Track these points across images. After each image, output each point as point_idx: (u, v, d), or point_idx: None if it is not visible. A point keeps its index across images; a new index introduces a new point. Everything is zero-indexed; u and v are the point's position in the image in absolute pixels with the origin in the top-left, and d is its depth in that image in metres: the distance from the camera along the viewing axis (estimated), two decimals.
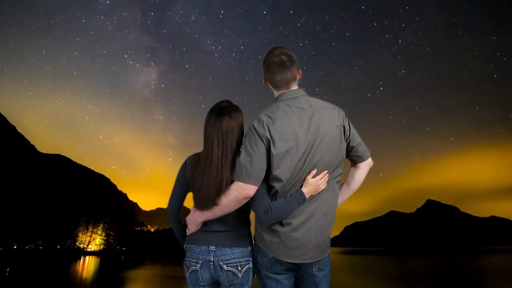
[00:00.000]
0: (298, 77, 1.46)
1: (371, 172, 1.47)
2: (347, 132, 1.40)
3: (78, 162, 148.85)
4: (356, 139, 1.44)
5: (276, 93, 1.46)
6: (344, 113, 1.41)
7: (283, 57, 1.39)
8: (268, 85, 1.51)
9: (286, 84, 1.42)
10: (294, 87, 1.45)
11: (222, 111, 1.40)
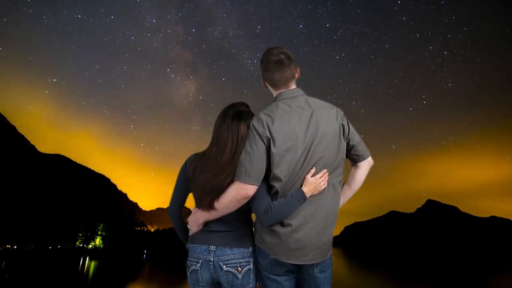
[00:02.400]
0: (296, 75, 1.45)
1: (371, 172, 1.49)
2: (346, 131, 1.39)
3: (89, 167, 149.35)
4: (355, 138, 1.43)
5: (275, 93, 1.45)
6: (342, 112, 1.41)
7: (282, 55, 1.39)
8: (267, 86, 1.50)
9: (286, 82, 1.42)
10: (293, 86, 1.44)
11: (240, 116, 1.38)
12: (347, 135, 1.40)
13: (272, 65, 1.39)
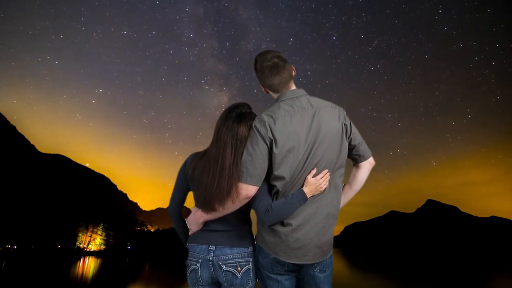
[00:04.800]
0: (293, 73, 1.45)
1: (371, 172, 1.47)
2: (349, 131, 1.39)
3: (79, 162, 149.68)
4: (357, 138, 1.43)
5: (276, 96, 1.45)
6: (345, 112, 1.41)
7: (275, 59, 1.39)
8: (267, 92, 1.50)
9: (286, 84, 1.42)
10: (293, 86, 1.45)
11: (241, 117, 1.37)
12: (349, 134, 1.39)
13: (268, 71, 1.39)
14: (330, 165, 1.34)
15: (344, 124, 1.37)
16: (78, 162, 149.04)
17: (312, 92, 1.42)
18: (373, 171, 1.52)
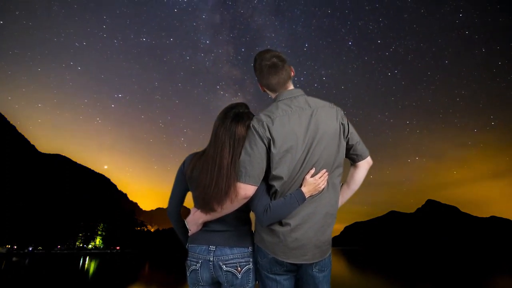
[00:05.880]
0: (291, 74, 1.45)
1: (371, 172, 1.51)
2: (346, 131, 1.39)
3: (79, 162, 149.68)
4: (355, 137, 1.43)
5: (274, 95, 1.46)
6: (342, 112, 1.41)
7: (274, 59, 1.39)
8: (264, 91, 1.50)
9: (284, 84, 1.42)
10: (291, 86, 1.44)
11: (239, 117, 1.37)
12: (346, 134, 1.40)
13: (267, 70, 1.39)
14: (328, 165, 1.33)
15: (341, 123, 1.37)
16: (96, 165, 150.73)
17: (327, 98, 1.49)
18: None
